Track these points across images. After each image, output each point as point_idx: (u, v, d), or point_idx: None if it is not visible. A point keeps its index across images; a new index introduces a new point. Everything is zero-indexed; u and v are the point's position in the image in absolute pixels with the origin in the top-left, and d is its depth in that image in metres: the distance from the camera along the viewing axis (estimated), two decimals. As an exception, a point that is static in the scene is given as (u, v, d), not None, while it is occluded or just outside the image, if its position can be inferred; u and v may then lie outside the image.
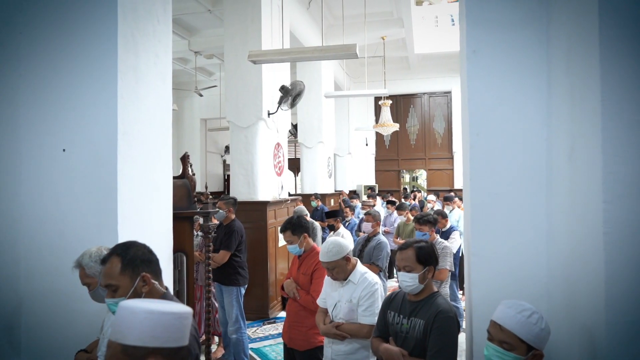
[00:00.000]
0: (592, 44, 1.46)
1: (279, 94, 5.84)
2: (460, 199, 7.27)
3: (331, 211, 6.81)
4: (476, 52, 2.11)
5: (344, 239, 2.86)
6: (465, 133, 2.29)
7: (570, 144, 1.74)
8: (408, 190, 14.53)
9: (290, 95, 5.83)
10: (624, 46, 1.40)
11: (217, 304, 4.57)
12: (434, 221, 4.26)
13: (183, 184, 3.17)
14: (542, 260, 2.05)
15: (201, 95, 11.09)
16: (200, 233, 4.35)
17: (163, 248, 2.73)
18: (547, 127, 2.03)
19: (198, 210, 3.30)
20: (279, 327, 5.24)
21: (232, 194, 5.63)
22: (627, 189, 1.40)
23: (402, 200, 10.44)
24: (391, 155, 14.72)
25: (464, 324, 2.96)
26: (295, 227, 3.06)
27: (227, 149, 14.02)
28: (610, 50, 1.41)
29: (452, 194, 8.32)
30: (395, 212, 7.42)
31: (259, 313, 5.64)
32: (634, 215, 1.39)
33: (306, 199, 8.46)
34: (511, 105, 2.08)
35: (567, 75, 1.78)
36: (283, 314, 3.24)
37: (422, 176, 16.17)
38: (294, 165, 13.36)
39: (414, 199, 10.95)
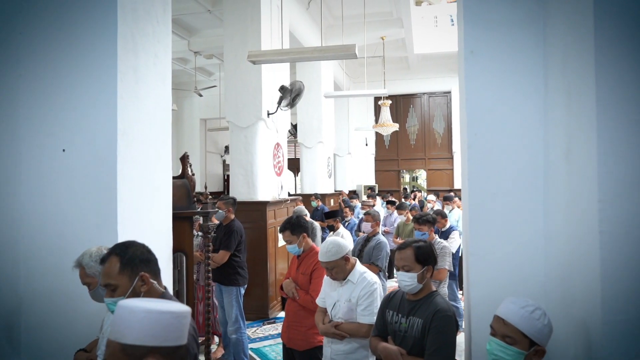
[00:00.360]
0: (588, 44, 1.47)
1: (279, 94, 5.85)
2: (460, 199, 7.27)
3: (330, 211, 6.81)
4: (474, 53, 2.12)
5: (343, 239, 2.87)
6: (463, 133, 2.30)
7: (567, 144, 1.75)
8: (408, 190, 14.55)
9: (289, 95, 5.84)
10: (618, 46, 1.41)
11: (217, 304, 4.57)
12: (433, 221, 4.27)
13: (182, 184, 3.18)
14: (540, 259, 2.06)
15: (201, 95, 11.10)
16: (200, 233, 4.36)
17: (162, 248, 2.73)
18: (544, 127, 2.04)
19: (197, 210, 3.31)
20: (278, 327, 5.25)
21: (231, 194, 5.64)
22: (622, 189, 1.40)
23: (403, 200, 10.45)
24: (391, 155, 14.73)
25: (463, 324, 2.96)
26: (295, 227, 3.06)
27: (226, 149, 14.03)
28: (605, 50, 1.42)
29: (452, 193, 8.33)
30: (395, 212, 7.43)
31: (258, 313, 5.65)
32: (629, 215, 1.40)
33: (306, 199, 8.47)
34: (509, 105, 2.09)
35: (564, 75, 1.79)
36: (283, 314, 3.25)
37: (422, 176, 16.18)
38: (294, 165, 13.37)
39: (414, 199, 10.96)
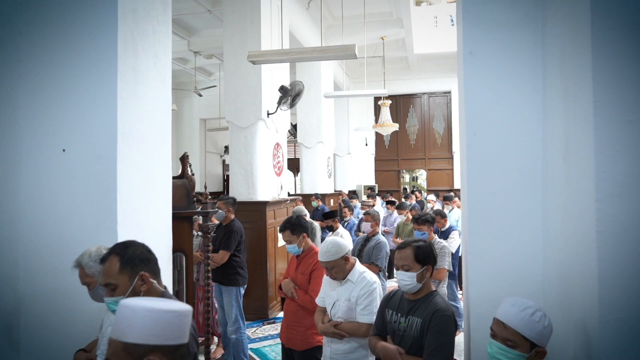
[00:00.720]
0: (585, 46, 1.47)
1: (278, 94, 5.86)
2: (460, 199, 7.25)
3: (329, 212, 6.82)
4: (473, 53, 2.13)
5: (343, 239, 2.87)
6: (462, 133, 2.31)
7: (565, 144, 1.76)
8: (408, 190, 14.55)
9: (289, 95, 5.84)
10: (615, 48, 1.42)
11: (216, 304, 4.58)
12: (432, 220, 4.27)
13: (182, 184, 3.18)
14: (538, 258, 2.06)
15: (200, 95, 11.10)
16: (199, 233, 4.36)
17: (162, 248, 2.74)
18: (542, 127, 2.05)
19: (197, 210, 3.31)
20: (278, 328, 5.25)
21: (231, 194, 5.64)
22: (619, 188, 1.41)
23: (403, 199, 10.45)
24: (391, 155, 14.74)
25: (463, 324, 2.97)
26: (295, 226, 3.07)
27: (226, 149, 14.04)
28: (602, 52, 1.43)
29: (452, 193, 8.33)
30: (395, 211, 7.44)
31: (258, 313, 5.66)
32: (626, 214, 1.41)
33: (306, 199, 8.48)
34: (507, 105, 2.10)
35: (561, 76, 1.80)
36: (282, 314, 3.26)
37: (422, 176, 16.19)
38: (294, 165, 13.38)
39: (415, 200, 10.96)
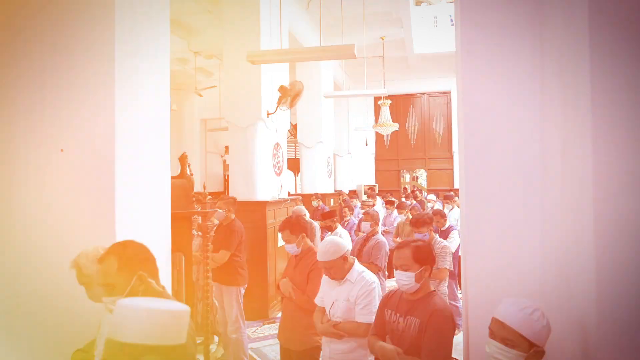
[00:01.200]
0: (583, 47, 1.47)
1: (278, 94, 5.86)
2: (459, 199, 7.24)
3: (327, 212, 6.81)
4: (470, 54, 2.13)
5: (342, 239, 2.87)
6: (460, 133, 2.31)
7: (563, 145, 1.76)
8: (408, 190, 14.55)
9: (289, 95, 5.84)
10: (613, 49, 1.42)
11: (216, 304, 4.58)
12: (430, 220, 4.28)
13: (181, 184, 3.18)
14: (536, 258, 2.06)
15: (201, 96, 11.10)
16: (199, 233, 4.36)
17: (161, 248, 2.74)
18: (540, 127, 2.05)
19: (197, 210, 3.31)
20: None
21: (231, 194, 5.64)
22: (616, 189, 1.41)
23: (403, 199, 10.46)
24: (391, 155, 14.74)
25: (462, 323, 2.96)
26: (294, 226, 3.06)
27: (226, 149, 14.04)
28: (600, 53, 1.43)
29: (452, 193, 8.34)
30: (395, 211, 7.45)
31: (258, 313, 5.66)
32: (623, 214, 1.41)
33: (306, 199, 8.48)
34: (505, 106, 2.10)
35: (559, 76, 1.80)
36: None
37: (422, 176, 16.20)
38: (294, 165, 13.38)
39: (415, 199, 10.96)
